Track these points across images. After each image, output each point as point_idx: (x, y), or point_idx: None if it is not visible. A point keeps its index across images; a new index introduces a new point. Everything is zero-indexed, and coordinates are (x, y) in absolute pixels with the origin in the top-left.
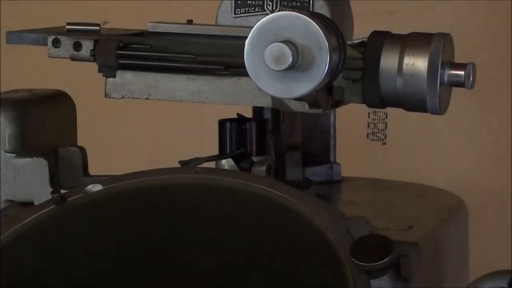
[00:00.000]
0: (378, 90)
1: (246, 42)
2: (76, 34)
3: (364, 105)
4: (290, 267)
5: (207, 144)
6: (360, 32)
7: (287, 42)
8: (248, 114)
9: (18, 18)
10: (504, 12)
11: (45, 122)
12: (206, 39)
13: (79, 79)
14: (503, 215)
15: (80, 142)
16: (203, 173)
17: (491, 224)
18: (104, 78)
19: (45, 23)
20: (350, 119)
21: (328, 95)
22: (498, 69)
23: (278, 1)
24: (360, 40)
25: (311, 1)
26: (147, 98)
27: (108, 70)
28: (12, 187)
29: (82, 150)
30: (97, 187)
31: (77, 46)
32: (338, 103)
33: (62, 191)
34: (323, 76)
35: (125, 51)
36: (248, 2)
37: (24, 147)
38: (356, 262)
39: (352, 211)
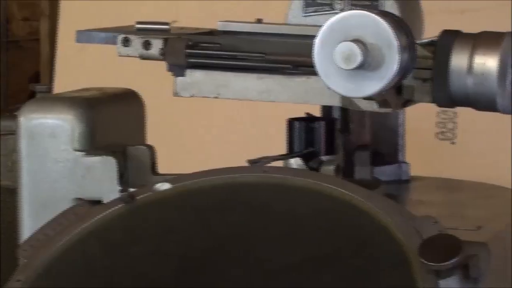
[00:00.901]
0: (448, 89)
1: (316, 41)
2: (146, 33)
3: (432, 104)
4: (358, 267)
5: (276, 143)
6: (430, 31)
7: (356, 41)
8: (317, 113)
9: (90, 17)
10: None
11: (114, 120)
12: (276, 38)
13: (147, 78)
14: None
15: (148, 141)
16: (272, 172)
17: None
18: (173, 77)
19: (114, 22)
20: (419, 118)
21: (397, 94)
22: None
23: (348, 0)
24: (430, 39)
25: (380, 0)
26: (216, 97)
27: (178, 69)
28: (81, 185)
29: (151, 149)
30: (166, 186)
31: (147, 45)
32: (407, 102)
33: (131, 189)
34: (393, 76)
35: (194, 50)
36: (318, 1)
37: (93, 145)
38: (425, 262)
39: (421, 210)
